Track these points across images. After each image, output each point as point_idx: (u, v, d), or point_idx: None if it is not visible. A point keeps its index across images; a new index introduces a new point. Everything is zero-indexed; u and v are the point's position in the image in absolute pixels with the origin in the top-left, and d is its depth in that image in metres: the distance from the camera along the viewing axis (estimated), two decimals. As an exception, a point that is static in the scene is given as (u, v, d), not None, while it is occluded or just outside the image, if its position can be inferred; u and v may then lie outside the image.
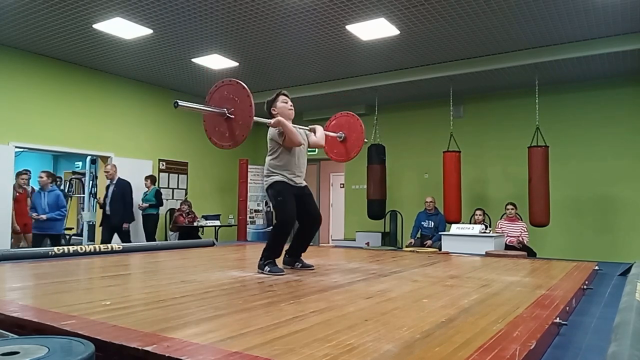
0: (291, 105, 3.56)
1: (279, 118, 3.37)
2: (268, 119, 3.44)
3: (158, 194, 8.11)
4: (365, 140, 4.24)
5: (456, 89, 7.90)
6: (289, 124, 3.38)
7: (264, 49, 6.70)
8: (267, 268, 3.38)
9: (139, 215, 8.03)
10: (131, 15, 5.61)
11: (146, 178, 8.11)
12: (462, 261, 4.60)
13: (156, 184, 8.39)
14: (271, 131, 3.50)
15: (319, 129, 3.81)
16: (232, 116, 3.13)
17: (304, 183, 3.63)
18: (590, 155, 7.51)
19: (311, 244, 3.96)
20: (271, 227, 3.48)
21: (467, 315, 2.07)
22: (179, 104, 2.99)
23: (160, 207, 8.24)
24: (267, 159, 3.56)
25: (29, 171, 7.39)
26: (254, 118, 3.11)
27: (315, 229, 3.75)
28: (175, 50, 6.81)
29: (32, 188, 7.38)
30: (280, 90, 3.62)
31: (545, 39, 6.21)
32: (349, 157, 4.25)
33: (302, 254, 3.76)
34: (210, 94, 3.28)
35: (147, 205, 7.99)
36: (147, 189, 8.13)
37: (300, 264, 3.72)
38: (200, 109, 3.17)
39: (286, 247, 3.68)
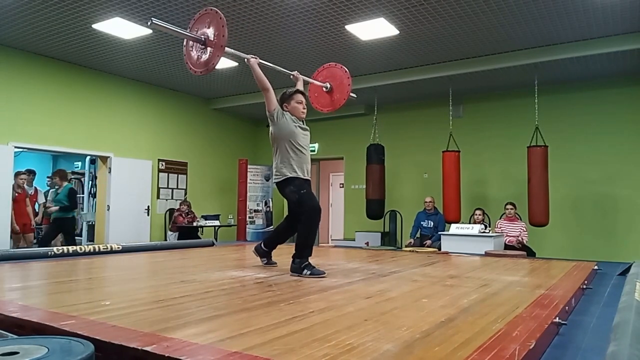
0: (304, 107, 3.58)
1: (252, 61, 3.59)
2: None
3: (72, 194, 6.61)
4: (353, 95, 4.21)
5: (455, 89, 7.90)
6: (258, 70, 3.63)
7: (264, 49, 6.69)
8: (306, 271, 3.23)
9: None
10: (130, 15, 5.60)
11: (54, 174, 6.88)
12: (461, 261, 4.60)
13: (69, 181, 7.14)
14: (271, 129, 3.51)
15: (300, 80, 3.96)
16: (209, 48, 3.27)
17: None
18: (590, 155, 7.51)
19: None
20: (301, 222, 3.39)
21: (466, 315, 2.07)
22: (154, 22, 3.07)
23: (75, 210, 6.95)
24: (274, 160, 3.53)
25: (32, 171, 7.41)
26: (226, 49, 3.23)
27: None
28: (175, 50, 6.81)
29: (36, 189, 7.37)
30: (297, 88, 3.67)
31: (544, 39, 6.21)
32: (334, 107, 4.21)
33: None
34: (193, 20, 3.40)
35: (56, 207, 6.56)
36: (56, 188, 6.84)
37: (267, 261, 3.76)
38: (176, 31, 3.27)
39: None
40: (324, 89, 4.20)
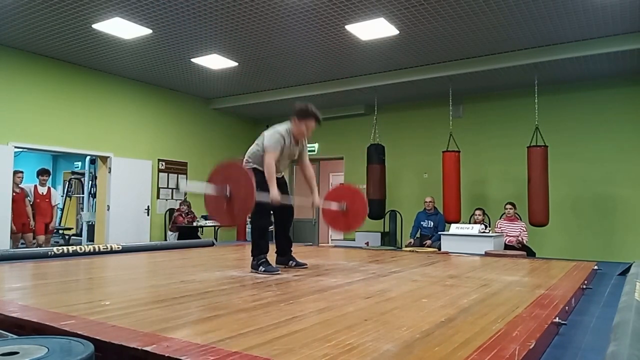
0: (309, 134, 3.63)
1: (272, 194, 3.37)
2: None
3: None
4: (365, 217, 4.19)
5: (455, 89, 7.90)
6: (273, 183, 3.40)
7: (264, 49, 6.70)
8: (261, 268, 3.38)
9: None
10: (130, 15, 5.60)
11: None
12: (461, 261, 4.60)
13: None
14: (271, 138, 3.51)
15: (316, 199, 3.83)
16: (232, 197, 3.13)
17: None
18: (590, 155, 7.51)
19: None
20: (252, 220, 3.60)
21: (466, 315, 2.07)
22: (185, 185, 3.02)
23: None
24: (254, 147, 3.59)
25: (47, 171, 7.42)
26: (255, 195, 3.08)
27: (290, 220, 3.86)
28: (175, 50, 6.81)
29: (49, 188, 7.35)
30: (318, 115, 3.58)
31: (544, 39, 6.21)
32: (349, 229, 4.24)
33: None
34: (213, 173, 3.31)
35: None
36: None
37: (295, 262, 3.73)
38: (199, 189, 3.23)
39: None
40: (341, 209, 4.13)
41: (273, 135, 3.47)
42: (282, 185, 3.66)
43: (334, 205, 4.01)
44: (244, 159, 3.60)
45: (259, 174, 3.41)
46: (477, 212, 7.00)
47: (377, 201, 8.17)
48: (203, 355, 1.41)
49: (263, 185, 3.42)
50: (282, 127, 3.55)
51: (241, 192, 3.10)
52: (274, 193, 3.33)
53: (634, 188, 7.16)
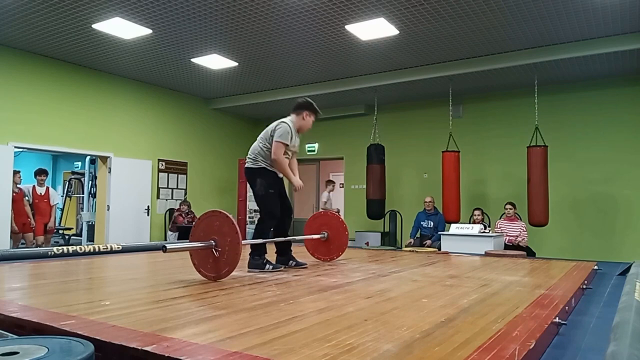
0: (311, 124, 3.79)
1: (297, 182, 3.63)
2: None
3: None
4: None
5: (455, 89, 7.90)
6: (288, 171, 3.61)
7: (264, 49, 6.70)
8: (268, 266, 3.46)
9: None
10: (130, 15, 5.60)
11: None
12: (461, 261, 4.60)
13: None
14: (282, 129, 3.58)
15: None
16: (219, 250, 2.97)
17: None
18: (590, 155, 7.51)
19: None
20: (260, 222, 3.69)
21: (466, 314, 2.07)
22: (167, 248, 2.88)
23: None
24: (254, 145, 3.65)
25: (45, 171, 7.41)
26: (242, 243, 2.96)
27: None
28: (175, 50, 6.81)
29: (48, 188, 7.34)
30: (319, 111, 3.78)
31: (544, 39, 6.21)
32: (331, 258, 4.26)
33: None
34: (197, 221, 3.13)
35: None
36: None
37: (294, 262, 3.76)
38: (187, 248, 3.03)
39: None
40: (322, 239, 4.23)
41: (285, 128, 3.56)
42: (281, 183, 3.72)
43: (315, 236, 4.15)
44: (251, 158, 3.64)
45: (270, 176, 3.55)
46: (476, 212, 7.01)
47: (377, 201, 8.17)
48: (203, 355, 1.41)
49: (274, 186, 3.56)
50: (288, 120, 3.66)
51: (227, 243, 2.93)
52: (296, 180, 3.57)
53: (634, 188, 7.16)
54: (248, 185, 3.85)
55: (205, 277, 3.00)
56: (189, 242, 3.05)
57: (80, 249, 4.81)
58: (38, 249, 5.22)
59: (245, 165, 3.67)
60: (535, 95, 7.16)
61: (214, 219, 3.02)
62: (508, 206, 6.72)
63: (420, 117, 9.13)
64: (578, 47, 6.28)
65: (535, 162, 6.73)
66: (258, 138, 3.69)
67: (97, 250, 4.85)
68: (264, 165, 3.57)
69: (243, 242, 2.96)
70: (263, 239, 3.53)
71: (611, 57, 6.42)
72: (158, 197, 8.92)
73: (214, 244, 2.96)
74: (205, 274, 3.01)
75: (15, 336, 1.70)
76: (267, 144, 3.58)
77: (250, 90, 8.96)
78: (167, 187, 9.10)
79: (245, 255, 3.35)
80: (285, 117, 3.74)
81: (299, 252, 3.93)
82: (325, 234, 4.22)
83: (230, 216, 3.01)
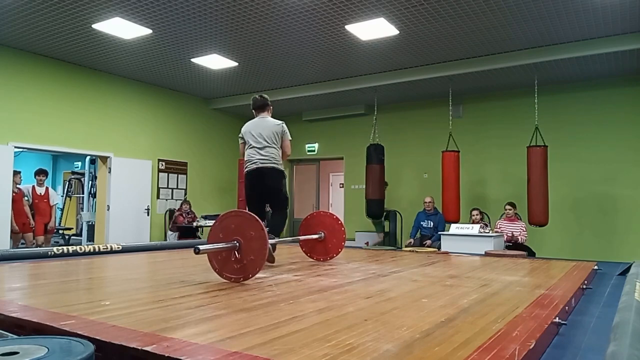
0: None
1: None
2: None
3: None
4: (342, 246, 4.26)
5: (455, 89, 7.90)
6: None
7: (264, 49, 6.70)
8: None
9: None
10: (130, 15, 5.60)
11: None
12: (461, 261, 4.60)
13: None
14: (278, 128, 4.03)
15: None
16: (243, 251, 2.93)
17: None
18: (589, 155, 7.51)
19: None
20: (282, 211, 4.25)
21: (466, 315, 2.07)
22: (200, 249, 2.79)
23: None
24: (272, 150, 3.97)
25: (44, 171, 7.42)
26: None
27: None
28: (175, 50, 6.81)
29: (47, 189, 7.35)
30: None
31: (544, 39, 6.21)
32: (330, 257, 4.25)
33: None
34: (218, 220, 3.05)
35: None
36: None
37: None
38: (219, 248, 2.95)
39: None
40: (319, 239, 4.23)
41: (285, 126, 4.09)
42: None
43: (312, 237, 4.20)
44: (275, 160, 3.97)
45: (284, 177, 4.06)
46: (474, 212, 6.96)
47: (377, 201, 8.17)
48: (203, 355, 1.41)
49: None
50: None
51: (253, 245, 2.88)
52: None
53: (634, 188, 7.16)
54: (267, 182, 3.97)
55: (229, 280, 2.94)
56: (209, 243, 2.98)
57: (80, 249, 4.80)
58: (38, 249, 5.22)
59: (272, 166, 3.96)
60: (535, 95, 7.16)
61: (234, 220, 2.99)
62: (508, 207, 6.71)
63: (420, 117, 9.13)
64: (578, 47, 6.28)
65: (535, 162, 6.73)
66: (265, 139, 3.97)
67: (97, 250, 4.85)
68: (282, 168, 4.03)
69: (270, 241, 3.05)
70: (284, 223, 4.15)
71: (611, 57, 6.42)
72: (158, 197, 8.92)
73: (237, 245, 2.94)
74: (229, 276, 2.94)
75: (15, 336, 1.70)
76: (279, 144, 3.99)
77: (250, 90, 8.95)
78: (167, 187, 9.10)
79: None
80: (272, 116, 4.27)
81: (296, 253, 3.92)
82: (322, 233, 4.21)
83: (255, 216, 2.98)
